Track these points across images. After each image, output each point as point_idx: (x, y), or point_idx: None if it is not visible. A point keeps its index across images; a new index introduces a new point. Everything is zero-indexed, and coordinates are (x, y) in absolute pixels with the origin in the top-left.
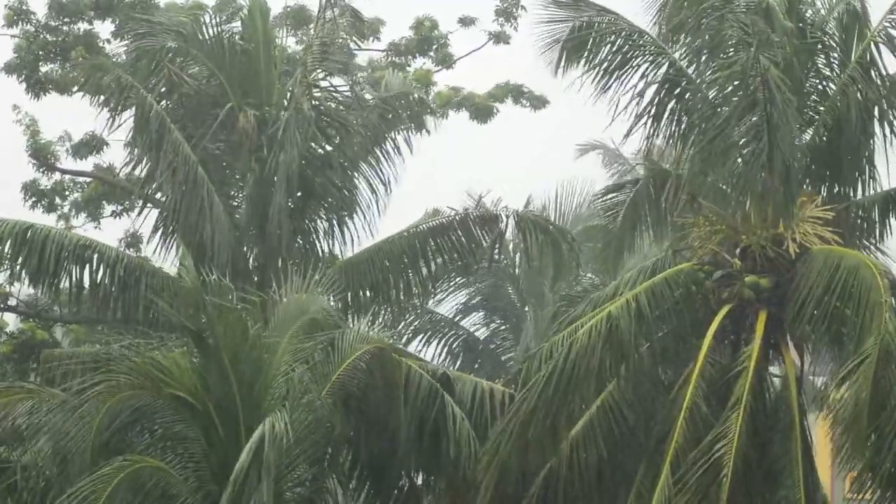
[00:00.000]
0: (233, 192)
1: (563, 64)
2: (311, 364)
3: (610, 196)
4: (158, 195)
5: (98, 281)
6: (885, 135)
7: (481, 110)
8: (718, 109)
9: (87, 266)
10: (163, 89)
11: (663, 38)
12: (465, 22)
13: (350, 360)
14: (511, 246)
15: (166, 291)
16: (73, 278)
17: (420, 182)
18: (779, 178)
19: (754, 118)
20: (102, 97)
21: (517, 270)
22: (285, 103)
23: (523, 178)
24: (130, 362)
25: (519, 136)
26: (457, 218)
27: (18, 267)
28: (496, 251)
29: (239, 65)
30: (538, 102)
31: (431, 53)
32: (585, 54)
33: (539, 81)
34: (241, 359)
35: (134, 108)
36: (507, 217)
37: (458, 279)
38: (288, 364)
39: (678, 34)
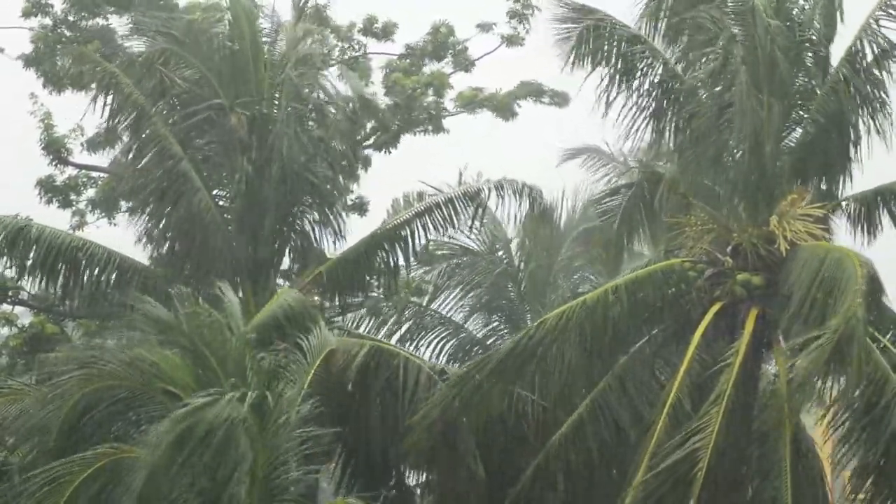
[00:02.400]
0: (224, 192)
1: (572, 65)
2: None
3: (606, 200)
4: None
5: (89, 281)
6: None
7: (502, 108)
8: (706, 109)
9: (78, 267)
10: (160, 88)
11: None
12: (484, 27)
13: (321, 357)
14: (515, 249)
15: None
16: (61, 278)
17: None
18: (768, 176)
19: (738, 116)
20: (91, 87)
21: (520, 272)
22: (275, 100)
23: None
24: (119, 355)
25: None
26: (441, 198)
27: (8, 265)
28: (479, 222)
29: (229, 65)
30: (559, 99)
31: (449, 59)
32: (589, 59)
33: (555, 82)
34: (227, 357)
35: (112, 95)
36: (490, 190)
37: (458, 278)
38: (264, 360)
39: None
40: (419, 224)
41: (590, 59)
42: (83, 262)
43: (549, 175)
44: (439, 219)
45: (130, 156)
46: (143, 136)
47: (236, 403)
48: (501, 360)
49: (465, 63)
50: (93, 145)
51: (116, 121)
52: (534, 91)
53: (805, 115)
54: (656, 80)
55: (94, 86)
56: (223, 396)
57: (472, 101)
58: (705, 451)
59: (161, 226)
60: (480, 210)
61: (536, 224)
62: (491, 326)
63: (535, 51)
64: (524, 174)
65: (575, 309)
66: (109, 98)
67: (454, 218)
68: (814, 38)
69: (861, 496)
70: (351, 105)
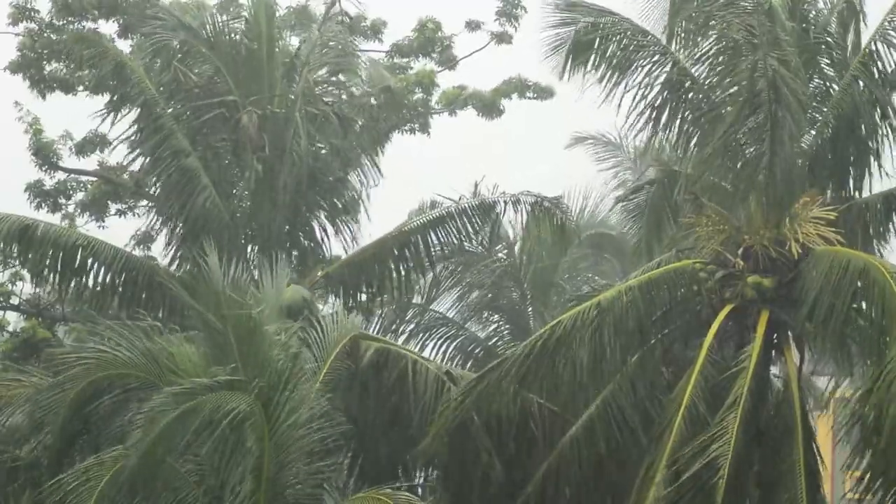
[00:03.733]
0: (234, 191)
1: (568, 67)
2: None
3: (632, 198)
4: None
5: (97, 279)
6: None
7: (487, 105)
8: (723, 111)
9: (86, 264)
10: (172, 87)
11: (667, 39)
12: (472, 26)
13: (335, 351)
14: (517, 248)
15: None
16: (69, 275)
17: (427, 184)
18: (781, 178)
19: (758, 119)
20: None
21: (522, 271)
22: (289, 101)
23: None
24: (136, 344)
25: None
26: (455, 208)
27: (15, 263)
28: (493, 235)
29: (243, 64)
30: (544, 94)
31: (435, 55)
32: (591, 56)
33: (544, 79)
34: (250, 351)
35: (118, 80)
36: (505, 203)
37: (460, 277)
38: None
39: (686, 36)
40: (431, 233)
41: (589, 57)
42: (91, 258)
43: (539, 174)
44: (453, 230)
45: (137, 151)
46: (152, 130)
47: (242, 395)
48: (518, 362)
49: (450, 61)
50: (81, 149)
51: (121, 113)
52: (518, 87)
53: (819, 118)
54: (664, 78)
55: (92, 78)
56: (228, 385)
57: (455, 100)
58: (725, 459)
59: (167, 223)
60: (496, 227)
61: (558, 236)
62: (492, 328)
63: (524, 47)
64: (513, 172)
65: (590, 310)
66: (115, 86)
67: (468, 229)
68: (829, 40)
69: (859, 497)
70: (374, 100)
